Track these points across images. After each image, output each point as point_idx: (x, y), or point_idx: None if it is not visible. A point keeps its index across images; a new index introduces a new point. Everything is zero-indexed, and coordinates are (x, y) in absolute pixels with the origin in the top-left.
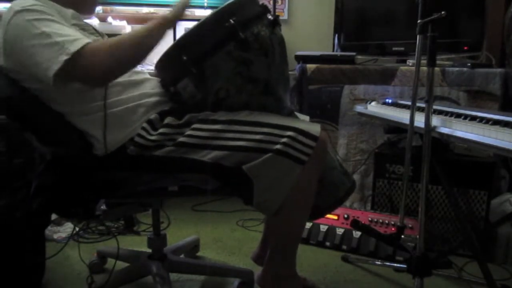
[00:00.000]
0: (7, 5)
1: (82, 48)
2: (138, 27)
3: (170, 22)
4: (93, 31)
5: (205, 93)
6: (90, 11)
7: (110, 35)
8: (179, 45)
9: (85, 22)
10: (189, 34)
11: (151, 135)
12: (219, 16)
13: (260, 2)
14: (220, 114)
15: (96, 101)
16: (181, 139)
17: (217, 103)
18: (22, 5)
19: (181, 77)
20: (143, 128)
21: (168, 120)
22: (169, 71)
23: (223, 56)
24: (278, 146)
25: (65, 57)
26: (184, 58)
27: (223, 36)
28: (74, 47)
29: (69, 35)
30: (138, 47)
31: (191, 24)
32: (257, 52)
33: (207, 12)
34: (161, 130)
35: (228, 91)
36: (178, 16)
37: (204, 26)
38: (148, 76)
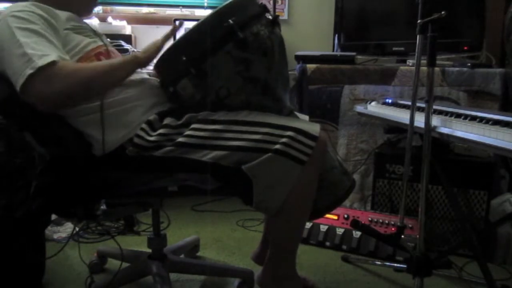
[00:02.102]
0: (7, 5)
1: (49, 64)
2: (139, 27)
3: (140, 63)
4: (89, 33)
5: (204, 93)
6: (87, 12)
7: (110, 35)
8: (178, 46)
9: (84, 23)
10: (188, 34)
11: (150, 135)
12: (218, 16)
13: (260, 2)
14: (220, 114)
15: (93, 101)
16: (181, 139)
17: (217, 103)
18: (13, 10)
19: (180, 78)
20: (142, 129)
21: (167, 120)
22: (168, 71)
23: (223, 56)
24: (277, 146)
25: (30, 71)
26: (184, 58)
27: (222, 36)
28: (41, 62)
29: (41, 50)
30: (100, 78)
31: (191, 24)
32: (256, 52)
33: (207, 12)
34: (160, 131)
35: (228, 91)
36: (150, 57)
37: (203, 26)
38: (146, 76)
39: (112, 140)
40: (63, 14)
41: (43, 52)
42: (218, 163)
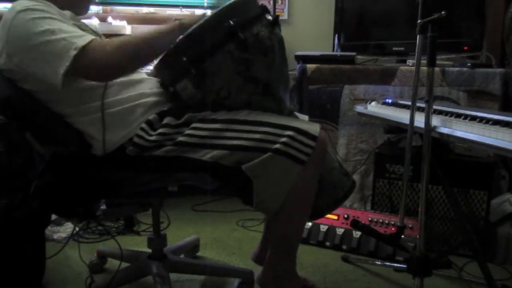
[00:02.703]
0: (7, 5)
1: (90, 43)
2: (139, 27)
3: (182, 28)
4: (90, 32)
5: (204, 93)
6: (84, 11)
7: (110, 35)
8: (178, 46)
9: (83, 23)
10: (189, 34)
11: (150, 135)
12: (219, 17)
13: (260, 2)
14: (220, 113)
15: (94, 101)
16: (181, 138)
17: (217, 103)
18: (24, 5)
19: (181, 78)
20: (142, 129)
21: (167, 120)
22: (169, 71)
23: (223, 57)
24: (277, 146)
25: (73, 52)
26: (184, 58)
27: (222, 37)
28: (81, 42)
29: (73, 31)
30: (147, 48)
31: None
32: (257, 52)
33: (207, 12)
34: (160, 130)
35: (229, 91)
36: (193, 23)
37: (203, 26)
38: (146, 76)
39: (112, 140)
40: (67, 12)
41: (79, 33)
42: (218, 163)
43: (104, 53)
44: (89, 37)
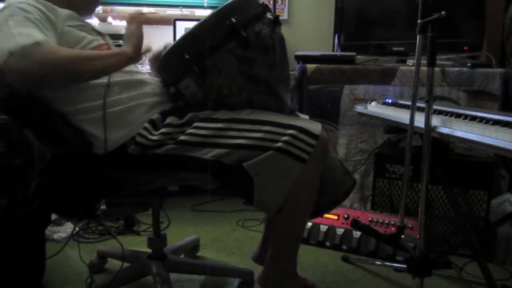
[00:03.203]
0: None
1: (29, 45)
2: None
3: (128, 57)
4: (91, 31)
5: (206, 91)
6: (89, 12)
7: (110, 35)
8: (181, 44)
9: (85, 22)
10: (191, 33)
11: (153, 135)
12: (221, 15)
13: (261, 2)
14: (221, 112)
15: (95, 100)
16: (182, 137)
17: (219, 102)
18: (13, 1)
19: (183, 76)
20: (145, 128)
21: (169, 119)
22: (171, 70)
23: (225, 55)
24: (279, 144)
25: (11, 47)
26: (186, 56)
27: (225, 35)
28: (24, 41)
29: (27, 32)
30: (78, 65)
31: (191, 24)
32: (258, 51)
33: (207, 12)
34: (163, 130)
35: (230, 89)
36: (138, 51)
37: (206, 24)
38: (148, 76)
39: (114, 139)
40: (63, 11)
41: (29, 34)
42: (219, 161)
43: (39, 57)
44: (35, 38)
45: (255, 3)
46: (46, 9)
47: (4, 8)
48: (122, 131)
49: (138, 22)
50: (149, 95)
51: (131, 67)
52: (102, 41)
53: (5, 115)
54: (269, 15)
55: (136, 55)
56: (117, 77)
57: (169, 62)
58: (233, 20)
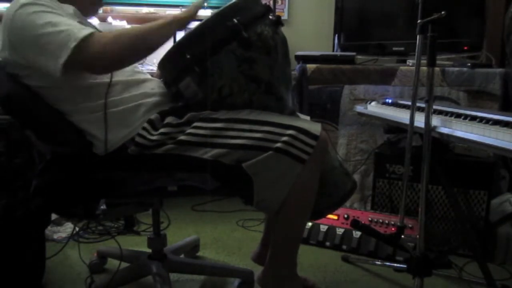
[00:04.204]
0: (7, 5)
1: (89, 35)
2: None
3: (181, 22)
4: (94, 30)
5: (207, 92)
6: (93, 12)
7: None
8: (182, 44)
9: (87, 21)
10: (192, 32)
11: (152, 135)
12: (223, 15)
13: (263, 2)
14: (221, 113)
15: (96, 100)
16: (182, 137)
17: (219, 102)
18: (23, 1)
19: (184, 76)
20: (144, 128)
21: (168, 119)
22: (172, 69)
23: (226, 55)
24: (278, 145)
25: (73, 43)
26: (188, 56)
27: (226, 35)
28: (81, 34)
29: (74, 24)
30: (144, 40)
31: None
32: (260, 51)
33: (207, 12)
34: (162, 130)
35: (231, 89)
36: (191, 16)
37: (207, 25)
38: (149, 76)
39: (114, 139)
40: (68, 8)
41: (78, 26)
42: (219, 161)
43: (102, 45)
44: (88, 30)
45: (257, 3)
46: (56, 5)
47: (18, 10)
48: (123, 132)
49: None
50: (150, 95)
51: (132, 67)
52: None
53: (6, 114)
54: (271, 16)
55: (187, 20)
56: (118, 76)
57: (170, 62)
58: (235, 20)
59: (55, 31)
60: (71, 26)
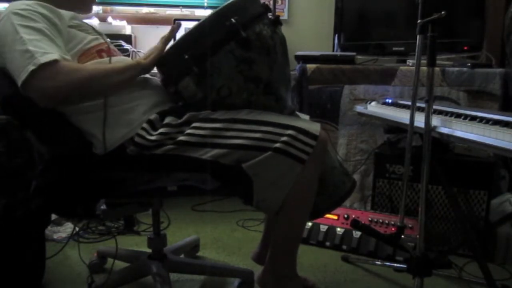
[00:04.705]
0: (7, 5)
1: (50, 62)
2: (139, 27)
3: (144, 68)
4: (91, 31)
5: (206, 92)
6: (87, 10)
7: (110, 35)
8: (181, 44)
9: (85, 23)
10: (191, 33)
11: (151, 135)
12: (221, 15)
13: (261, 2)
14: (220, 113)
15: (96, 99)
16: (181, 137)
17: (219, 102)
18: (16, 8)
19: (183, 76)
20: (143, 128)
21: (168, 119)
22: (171, 69)
23: (225, 55)
24: (278, 145)
25: (32, 67)
26: (186, 56)
27: (225, 35)
28: (43, 59)
29: (43, 48)
30: (100, 80)
31: (191, 24)
32: (258, 51)
33: (207, 12)
34: (161, 130)
35: (230, 89)
36: (153, 62)
37: (206, 25)
38: (149, 76)
39: (113, 139)
40: (66, 13)
41: (46, 50)
42: (218, 162)
43: (58, 76)
44: (52, 56)
45: (255, 3)
46: (50, 13)
47: (8, 15)
48: (122, 131)
49: (166, 40)
50: (150, 95)
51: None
52: (102, 40)
53: (5, 114)
54: (270, 16)
55: (151, 67)
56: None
57: (168, 62)
58: (233, 20)
59: (21, 50)
60: (37, 48)
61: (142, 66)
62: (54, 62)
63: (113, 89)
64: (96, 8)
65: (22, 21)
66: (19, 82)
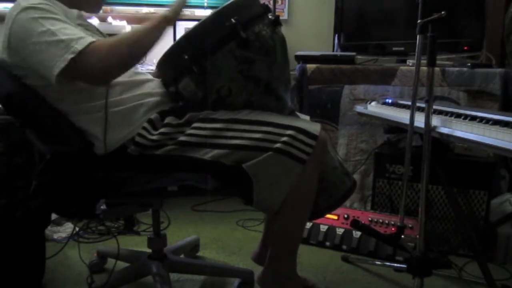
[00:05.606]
0: (7, 5)
1: (87, 46)
2: (137, 26)
3: (169, 21)
4: (96, 31)
5: (206, 92)
6: (95, 10)
7: (110, 35)
8: (180, 44)
9: (89, 23)
10: (190, 33)
11: (152, 134)
12: (221, 15)
13: (261, 2)
14: (221, 113)
15: (97, 100)
16: (182, 138)
17: (218, 102)
18: (29, 2)
19: (183, 76)
20: (144, 128)
21: (168, 119)
22: (171, 70)
23: (225, 55)
24: (278, 145)
25: (71, 55)
26: (186, 57)
27: (224, 35)
28: (79, 46)
29: (74, 34)
30: (138, 46)
31: (191, 24)
32: (258, 51)
33: (207, 12)
34: (161, 130)
35: (230, 89)
36: (177, 14)
37: (205, 25)
38: (149, 76)
39: (114, 139)
40: (73, 11)
41: (78, 35)
42: (219, 162)
43: (100, 57)
44: (86, 40)
45: (255, 3)
46: (61, 10)
47: (22, 11)
48: (123, 131)
49: None
50: (150, 95)
51: (132, 68)
52: None
53: (7, 113)
54: (269, 16)
55: (176, 16)
56: (119, 78)
57: (168, 62)
58: (233, 20)
59: (53, 41)
60: (69, 36)
61: (167, 18)
62: (91, 44)
63: (151, 48)
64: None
65: (42, 14)
66: (55, 72)
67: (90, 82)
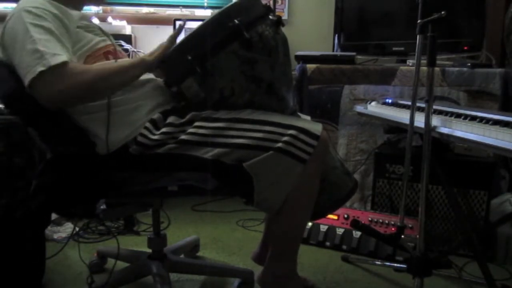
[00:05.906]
0: (7, 5)
1: (58, 65)
2: (139, 27)
3: (147, 65)
4: (99, 31)
5: (208, 92)
6: (100, 2)
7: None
8: (184, 45)
9: (92, 23)
10: (194, 33)
11: (154, 134)
12: (224, 16)
13: (264, 3)
14: (223, 112)
15: (100, 99)
16: (183, 136)
17: (221, 102)
18: (28, 5)
19: (186, 77)
20: (146, 128)
21: (170, 119)
22: (174, 70)
23: (228, 55)
24: (279, 144)
25: (41, 68)
26: (189, 57)
27: (227, 36)
28: (53, 61)
29: (53, 48)
30: (106, 80)
31: (191, 24)
32: (261, 52)
33: (207, 12)
34: (163, 130)
35: (232, 90)
36: (157, 59)
37: (208, 25)
38: (152, 76)
39: (116, 139)
40: (75, 14)
41: (55, 51)
42: (220, 161)
43: (64, 79)
44: (61, 58)
45: (258, 4)
46: (60, 13)
47: (19, 12)
48: (125, 131)
49: (173, 38)
50: (153, 95)
51: None
52: (109, 42)
53: (9, 113)
54: (271, 16)
55: (155, 64)
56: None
57: (171, 63)
58: (236, 21)
59: (31, 49)
60: (47, 49)
61: (146, 63)
62: (63, 64)
63: (119, 88)
64: (96, 8)
65: (34, 20)
66: (26, 81)
67: (45, 102)
